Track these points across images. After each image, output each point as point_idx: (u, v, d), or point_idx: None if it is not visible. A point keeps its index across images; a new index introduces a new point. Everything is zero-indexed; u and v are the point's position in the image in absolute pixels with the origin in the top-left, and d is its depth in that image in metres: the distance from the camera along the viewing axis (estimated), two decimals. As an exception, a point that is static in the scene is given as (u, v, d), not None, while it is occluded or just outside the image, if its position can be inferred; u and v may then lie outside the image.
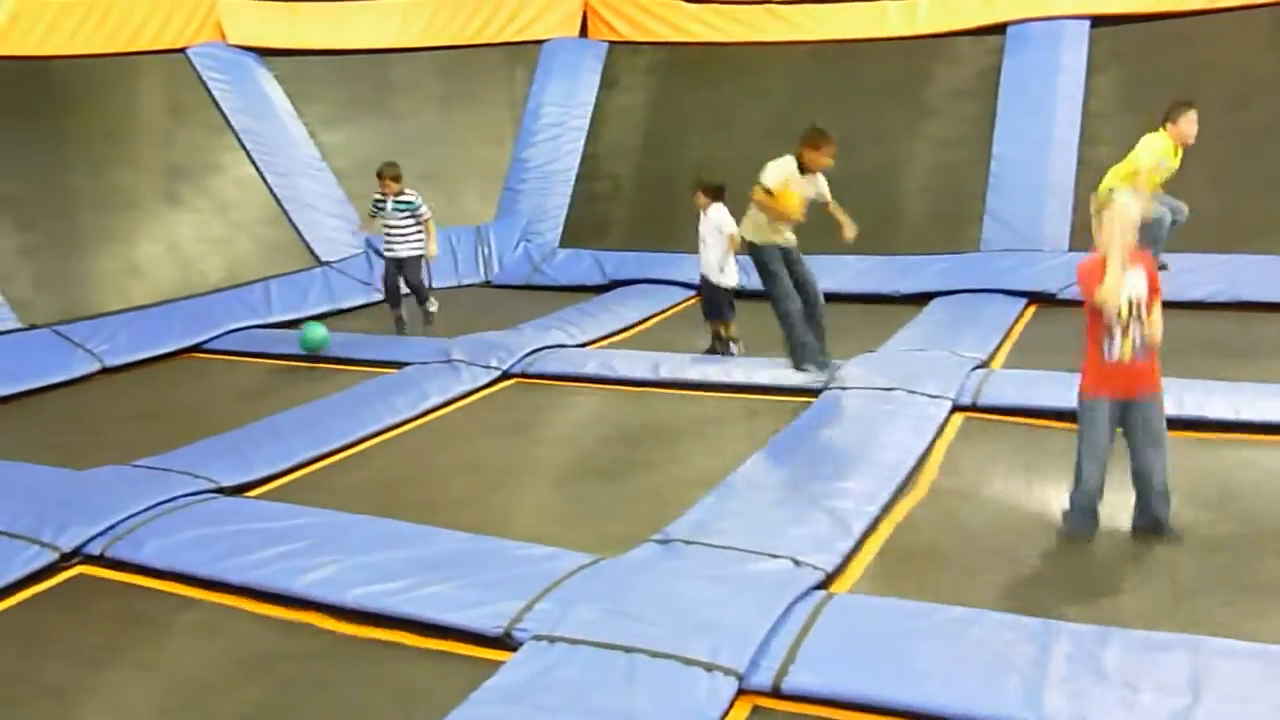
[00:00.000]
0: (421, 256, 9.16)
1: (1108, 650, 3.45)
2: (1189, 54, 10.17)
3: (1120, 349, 4.31)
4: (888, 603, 3.95)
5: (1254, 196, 9.35)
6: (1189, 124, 7.20)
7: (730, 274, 7.70)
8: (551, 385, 7.39)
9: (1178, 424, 5.72)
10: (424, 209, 9.07)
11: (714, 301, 7.84)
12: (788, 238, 6.58)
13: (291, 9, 12.07)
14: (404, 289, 9.21)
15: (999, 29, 11.13)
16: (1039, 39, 10.82)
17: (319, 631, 4.05)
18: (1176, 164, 7.36)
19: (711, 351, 7.87)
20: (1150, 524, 4.54)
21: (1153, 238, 7.33)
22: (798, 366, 6.76)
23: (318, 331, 8.33)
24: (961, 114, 10.82)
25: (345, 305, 10.13)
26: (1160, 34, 10.49)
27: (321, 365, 8.10)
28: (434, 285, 10.74)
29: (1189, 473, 5.22)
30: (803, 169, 6.42)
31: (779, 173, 6.33)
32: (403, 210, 9.02)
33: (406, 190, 9.06)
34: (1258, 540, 4.51)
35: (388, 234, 9.09)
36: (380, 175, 9.04)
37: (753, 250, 6.58)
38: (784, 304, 6.54)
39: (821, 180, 6.66)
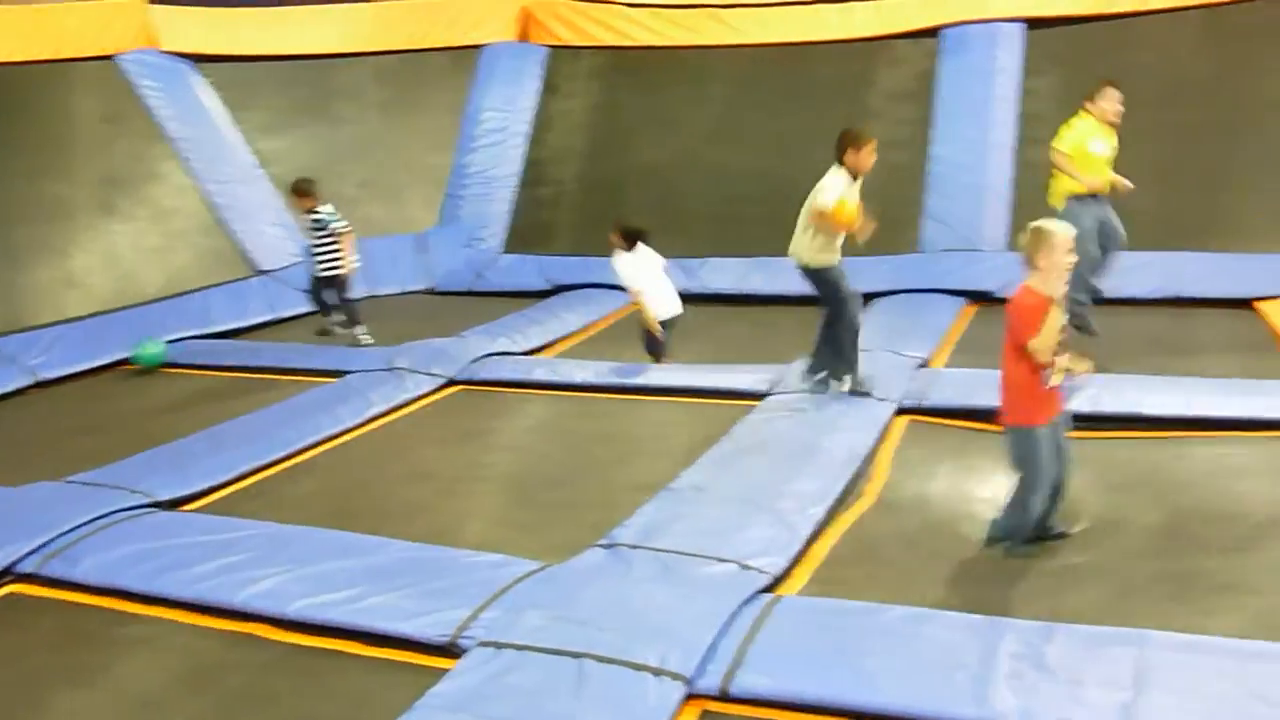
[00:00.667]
0: (345, 274, 8.64)
1: (1053, 646, 3.49)
2: (1123, 55, 10.33)
3: (1054, 377, 4.37)
4: (834, 604, 3.96)
5: (1189, 195, 9.53)
6: (1108, 100, 7.24)
7: (655, 310, 7.62)
8: (497, 392, 7.34)
9: (1117, 421, 5.87)
10: (337, 223, 8.50)
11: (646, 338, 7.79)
12: (839, 250, 6.37)
13: (227, 15, 11.89)
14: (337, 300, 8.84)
15: (934, 32, 11.26)
16: (974, 42, 10.96)
17: (263, 644, 3.99)
18: (1112, 142, 7.38)
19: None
20: (1055, 531, 4.60)
21: (1082, 286, 7.09)
22: (836, 377, 6.51)
23: (150, 347, 8.33)
24: (900, 116, 10.92)
25: (285, 314, 9.97)
26: (1094, 36, 10.66)
27: (262, 376, 7.98)
28: (376, 294, 10.67)
29: (1127, 468, 5.32)
30: (853, 176, 6.22)
31: (834, 191, 6.11)
32: (316, 229, 8.52)
33: (319, 206, 8.54)
34: (1196, 532, 4.60)
35: (311, 251, 8.66)
36: (291, 191, 8.70)
37: (818, 274, 6.36)
38: (845, 311, 6.35)
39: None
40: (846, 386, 6.47)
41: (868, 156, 6.15)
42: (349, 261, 8.64)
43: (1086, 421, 5.79)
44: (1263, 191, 9.43)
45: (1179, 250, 9.04)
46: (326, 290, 8.73)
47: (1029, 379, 4.36)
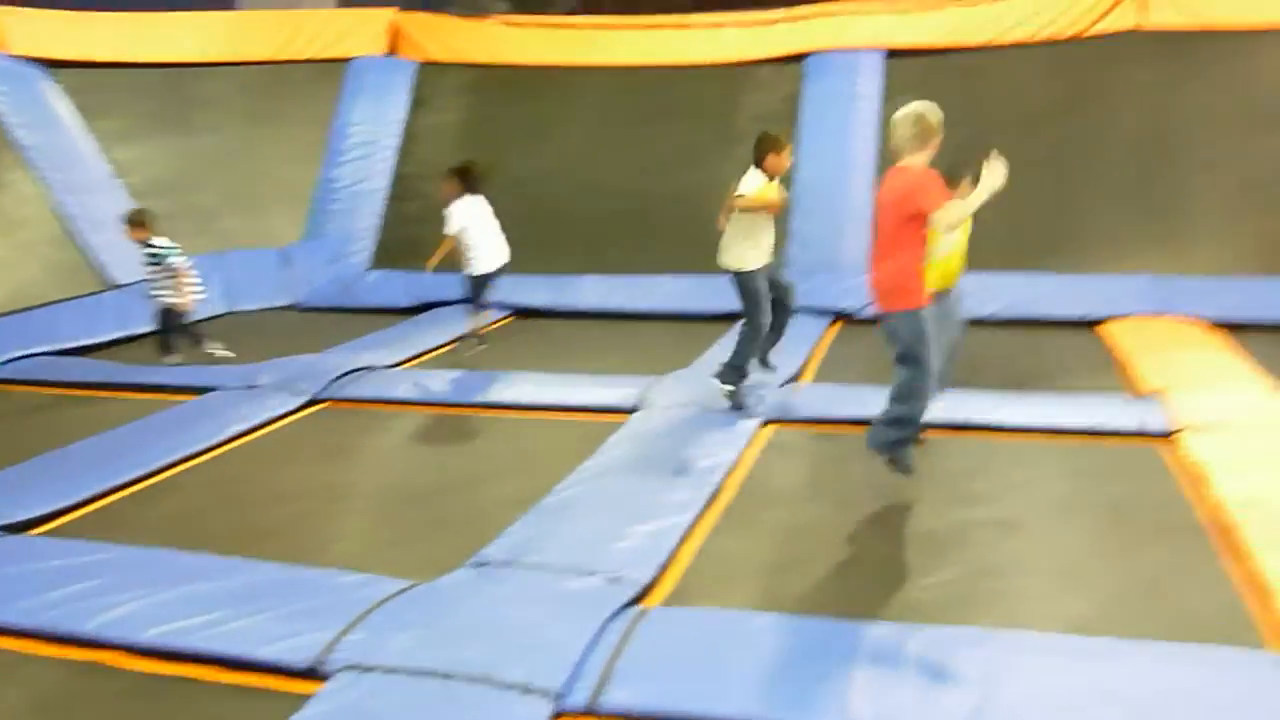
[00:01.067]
0: (170, 309, 8.40)
1: (908, 649, 3.62)
2: (977, 85, 10.81)
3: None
4: (701, 613, 4.03)
5: (1038, 218, 9.98)
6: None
7: (478, 262, 7.73)
8: (364, 409, 7.24)
9: (967, 428, 6.12)
10: (173, 259, 8.23)
11: (470, 285, 7.99)
12: (766, 251, 6.53)
13: (82, 19, 11.48)
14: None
15: (799, 58, 11.57)
16: (837, 69, 11.31)
17: (116, 673, 3.85)
18: (962, 240, 7.16)
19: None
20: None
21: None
22: (724, 381, 6.58)
23: None
24: (767, 139, 11.16)
25: (140, 330, 9.63)
26: (949, 66, 11.10)
27: (117, 393, 7.70)
28: (236, 311, 10.42)
29: (974, 468, 5.55)
30: (770, 177, 6.48)
31: (752, 183, 6.39)
32: (151, 262, 8.28)
33: (154, 238, 8.28)
34: (1043, 529, 4.84)
35: (148, 283, 8.42)
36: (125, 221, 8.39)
37: (740, 278, 6.52)
38: (757, 320, 6.54)
39: None
40: (727, 390, 6.57)
41: (786, 159, 6.49)
42: (186, 297, 8.32)
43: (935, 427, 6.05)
44: (1103, 216, 9.96)
45: (1027, 272, 9.48)
46: (167, 323, 8.45)
47: (915, 260, 4.54)
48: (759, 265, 6.51)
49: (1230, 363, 7.32)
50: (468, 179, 7.83)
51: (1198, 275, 9.28)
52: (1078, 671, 3.49)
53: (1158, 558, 4.54)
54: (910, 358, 4.83)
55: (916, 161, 4.71)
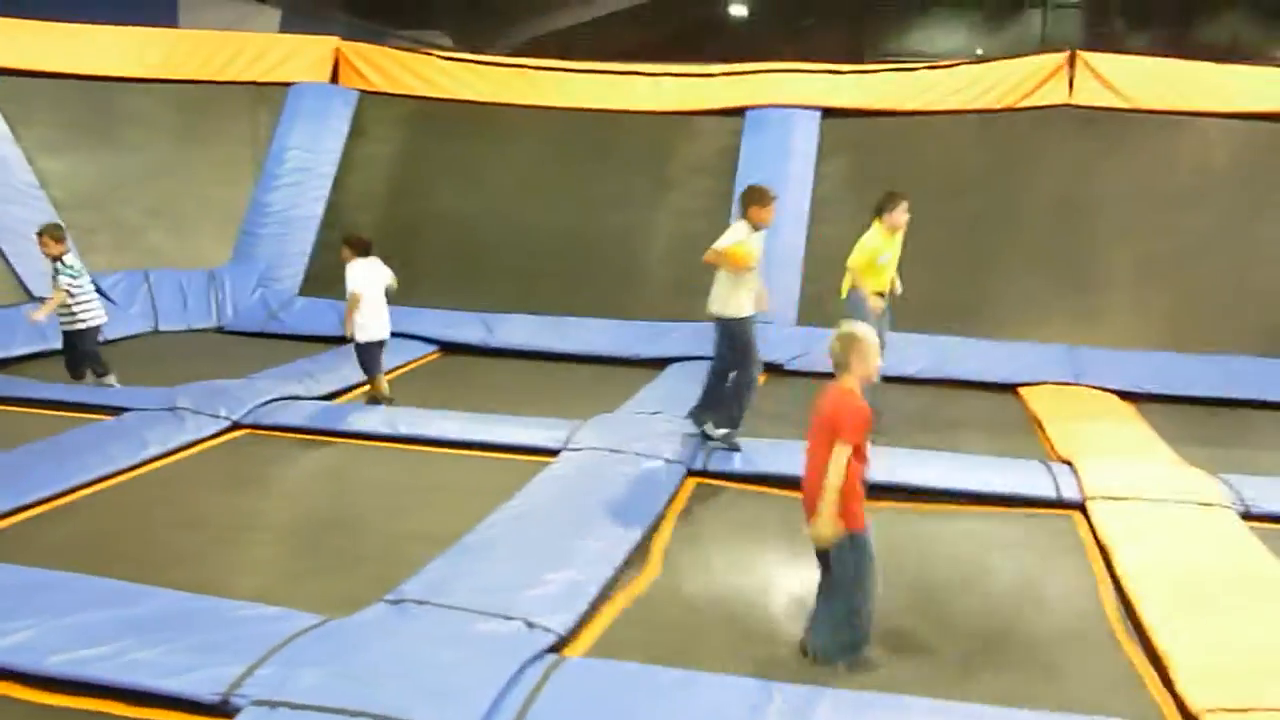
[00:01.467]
0: (95, 328, 8.16)
1: (818, 710, 3.65)
2: (908, 148, 11.06)
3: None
4: (615, 666, 4.02)
5: (960, 282, 10.21)
6: (899, 213, 7.67)
7: (364, 329, 7.70)
8: (284, 438, 7.14)
9: (879, 490, 6.18)
10: (64, 277, 7.92)
11: (358, 356, 7.87)
12: (754, 300, 6.63)
13: (11, 25, 11.27)
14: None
15: (738, 112, 11.76)
16: (774, 124, 11.50)
17: (11, 702, 3.73)
18: (896, 248, 7.80)
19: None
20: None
21: None
22: (717, 426, 6.73)
23: None
24: (701, 188, 11.32)
25: (58, 345, 9.39)
26: (883, 129, 11.36)
27: (28, 410, 7.50)
28: (160, 330, 10.23)
29: (890, 539, 5.63)
30: (754, 228, 6.61)
31: (731, 237, 6.51)
32: (56, 276, 8.01)
33: (65, 255, 8.00)
34: (954, 602, 4.91)
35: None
36: (39, 234, 8.10)
37: (729, 325, 6.59)
38: (750, 371, 6.64)
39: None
40: (720, 433, 6.72)
41: (770, 212, 6.63)
42: (41, 310, 8.08)
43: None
44: (1022, 284, 10.23)
45: (948, 334, 9.68)
46: (72, 347, 8.21)
47: (855, 480, 4.19)
48: (748, 313, 6.59)
49: (1138, 434, 7.54)
50: (358, 245, 7.80)
51: (1110, 347, 9.55)
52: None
53: (1061, 625, 4.65)
54: (848, 586, 4.26)
55: (851, 376, 4.45)
